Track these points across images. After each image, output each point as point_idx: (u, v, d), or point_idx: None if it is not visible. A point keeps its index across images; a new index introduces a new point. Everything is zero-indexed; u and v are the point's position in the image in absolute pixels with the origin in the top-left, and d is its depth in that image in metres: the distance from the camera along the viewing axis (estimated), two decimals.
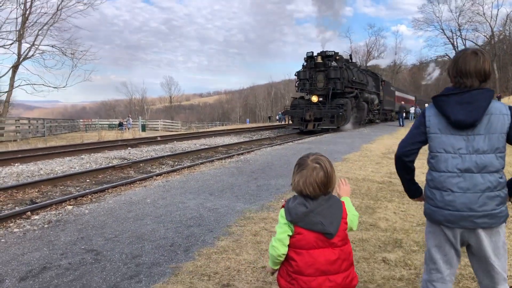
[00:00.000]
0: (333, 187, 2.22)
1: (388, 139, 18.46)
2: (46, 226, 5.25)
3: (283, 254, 2.14)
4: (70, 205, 6.50)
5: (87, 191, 7.53)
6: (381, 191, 7.27)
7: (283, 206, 2.20)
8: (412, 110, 51.94)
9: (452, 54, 72.35)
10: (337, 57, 25.75)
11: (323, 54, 25.58)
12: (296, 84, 26.52)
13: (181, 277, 3.58)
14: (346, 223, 2.20)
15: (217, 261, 3.91)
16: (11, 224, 5.50)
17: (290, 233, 2.13)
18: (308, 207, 2.10)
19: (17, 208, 6.50)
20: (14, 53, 28.44)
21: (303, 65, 26.20)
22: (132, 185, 8.02)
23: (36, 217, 5.81)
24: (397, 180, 8.31)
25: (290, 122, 26.06)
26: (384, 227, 5.05)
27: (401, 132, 23.81)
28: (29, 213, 6.00)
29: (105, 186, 7.98)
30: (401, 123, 32.50)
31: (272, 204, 6.10)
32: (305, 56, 26.02)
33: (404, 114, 34.65)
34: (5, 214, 5.82)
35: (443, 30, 71.28)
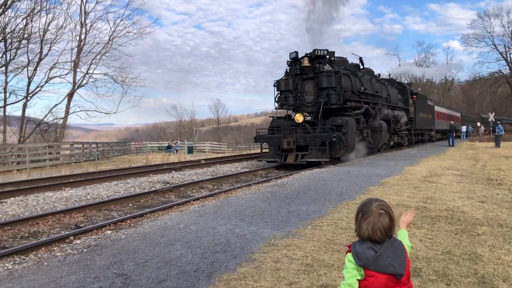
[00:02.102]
0: (395, 230, 2.40)
1: (434, 161, 18.06)
2: (85, 250, 5.66)
3: None
4: (110, 229, 6.93)
5: (127, 216, 7.98)
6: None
7: (348, 251, 2.36)
8: (464, 129, 50.08)
9: (506, 70, 69.63)
10: (333, 59, 18.74)
11: (311, 55, 18.54)
12: (276, 99, 19.45)
13: None
14: (409, 261, 2.38)
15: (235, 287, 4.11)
16: (55, 248, 5.96)
17: (359, 277, 2.30)
18: (377, 251, 2.27)
19: (62, 233, 7.01)
20: (69, 81, 30.31)
21: (286, 72, 19.33)
22: (169, 210, 8.40)
23: (78, 241, 6.25)
24: (432, 205, 8.22)
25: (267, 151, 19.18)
26: None
27: (450, 153, 23.16)
28: (72, 237, 6.47)
29: (144, 211, 8.40)
30: (451, 143, 31.46)
31: (299, 231, 6.24)
32: (288, 59, 19.12)
33: (453, 134, 33.43)
34: (50, 239, 6.32)
35: (495, 45, 68.87)
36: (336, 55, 20.26)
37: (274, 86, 19.44)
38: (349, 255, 2.33)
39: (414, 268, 4.63)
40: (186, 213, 7.84)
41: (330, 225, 6.57)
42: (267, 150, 19.02)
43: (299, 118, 18.15)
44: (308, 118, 18.59)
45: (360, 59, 24.02)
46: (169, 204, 8.92)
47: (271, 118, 20.23)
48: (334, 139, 16.81)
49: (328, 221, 6.86)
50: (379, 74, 26.25)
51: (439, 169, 14.64)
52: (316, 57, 18.51)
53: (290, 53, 18.98)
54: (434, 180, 11.75)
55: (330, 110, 18.26)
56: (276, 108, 19.76)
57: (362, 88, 20.41)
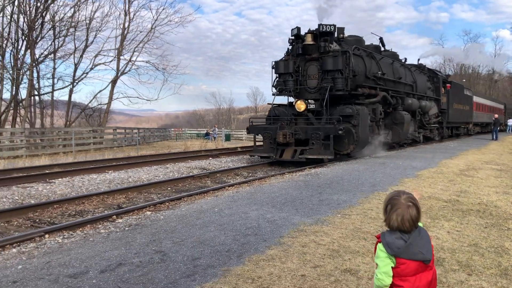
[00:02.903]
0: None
1: (473, 155, 17.71)
2: (126, 228, 6.09)
3: (389, 284, 2.51)
4: (149, 211, 7.36)
5: (166, 198, 8.42)
6: (443, 209, 7.28)
7: (378, 242, 2.56)
8: (510, 122, 48.16)
9: None
10: (342, 36, 16.33)
11: (315, 32, 15.65)
12: (274, 83, 16.66)
13: (229, 278, 4.12)
14: (433, 246, 2.59)
15: (263, 267, 4.40)
16: (99, 226, 6.43)
17: (393, 265, 2.49)
18: (406, 240, 2.47)
19: (105, 212, 7.50)
20: (113, 69, 31.36)
21: (287, 52, 16.59)
22: (205, 194, 8.79)
23: (120, 220, 6.71)
24: (465, 199, 8.23)
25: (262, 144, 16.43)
26: None
27: (491, 147, 22.58)
28: (114, 216, 6.93)
29: (182, 194, 8.82)
30: (495, 137, 30.46)
31: (327, 219, 6.46)
32: (290, 37, 16.31)
33: (498, 127, 32.24)
34: (95, 217, 6.81)
35: None
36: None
37: (273, 68, 16.50)
38: (380, 245, 2.52)
39: (437, 258, 4.76)
40: (221, 198, 8.19)
41: (359, 215, 6.75)
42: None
43: (300, 106, 15.27)
44: (312, 106, 15.66)
45: (381, 39, 20.75)
46: (205, 189, 9.31)
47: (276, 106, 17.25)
48: (340, 132, 14.01)
49: (357, 211, 7.03)
50: (405, 59, 23.46)
51: (478, 163, 14.39)
52: (322, 34, 15.51)
53: (292, 29, 16.10)
54: (470, 174, 11.62)
55: (338, 97, 15.39)
56: (273, 94, 16.77)
57: (379, 72, 17.52)
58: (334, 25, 15.49)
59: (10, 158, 18.62)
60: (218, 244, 5.23)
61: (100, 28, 29.62)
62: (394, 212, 2.48)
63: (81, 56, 29.03)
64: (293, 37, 16.19)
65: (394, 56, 21.62)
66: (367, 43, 19.33)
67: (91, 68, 29.94)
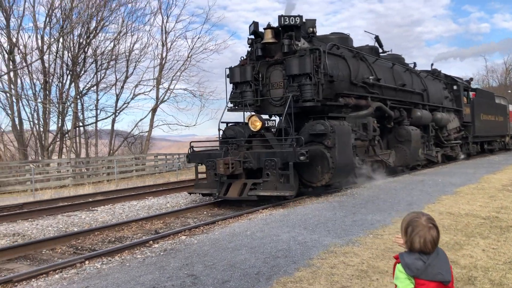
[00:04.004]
0: None
1: None
2: (161, 253, 6.30)
3: None
4: (184, 235, 7.57)
5: (201, 223, 8.63)
6: (480, 227, 7.11)
7: (397, 262, 2.58)
8: None
9: None
10: (312, 30, 12.39)
11: (275, 28, 12.25)
12: (232, 94, 13.14)
13: None
14: (451, 267, 2.62)
15: None
16: (136, 251, 6.68)
17: (412, 286, 2.51)
18: (425, 261, 2.49)
19: (143, 238, 7.77)
20: (152, 97, 32.40)
21: (246, 55, 13.17)
22: (239, 218, 8.94)
23: (156, 245, 6.94)
24: (505, 215, 7.99)
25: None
26: (464, 264, 5.12)
27: None
28: (151, 242, 7.18)
29: (216, 218, 9.01)
30: None
31: (359, 239, 6.45)
32: (248, 36, 12.88)
33: None
34: (133, 243, 7.09)
35: None
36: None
37: (227, 77, 13.06)
38: (399, 266, 2.54)
39: (469, 276, 4.69)
40: (254, 221, 8.31)
41: (392, 234, 6.68)
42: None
43: (254, 123, 11.56)
44: (272, 123, 12.41)
45: (377, 38, 16.86)
46: (238, 212, 9.45)
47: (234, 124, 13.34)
48: (302, 158, 10.23)
49: (390, 230, 6.98)
50: (415, 64, 19.87)
51: None
52: (284, 29, 12.06)
53: (250, 25, 12.77)
54: None
55: (309, 110, 11.90)
56: (228, 109, 13.17)
57: (371, 77, 14.07)
58: (301, 16, 11.91)
59: (57, 187, 19.49)
60: (248, 267, 5.33)
61: (139, 59, 30.80)
62: (416, 234, 2.49)
63: (122, 87, 30.24)
64: (251, 36, 12.76)
65: (397, 59, 18.20)
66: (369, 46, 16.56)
67: (132, 98, 31.08)
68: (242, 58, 13.19)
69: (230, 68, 13.02)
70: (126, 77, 30.14)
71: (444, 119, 19.85)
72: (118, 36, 28.47)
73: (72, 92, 26.96)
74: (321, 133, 11.24)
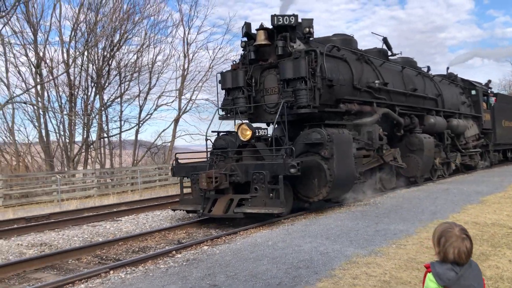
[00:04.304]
0: None
1: None
2: (184, 263, 6.36)
3: None
4: (207, 245, 7.63)
5: (223, 233, 8.67)
6: (507, 237, 6.97)
7: (427, 272, 2.56)
8: None
9: None
10: (308, 30, 11.29)
11: (269, 29, 11.42)
12: (224, 101, 12.39)
13: None
14: (484, 279, 2.60)
15: None
16: (159, 261, 6.76)
17: None
18: (458, 272, 2.47)
19: (166, 248, 7.86)
20: (175, 108, 32.77)
21: (240, 59, 12.42)
22: (261, 228, 8.95)
23: (179, 255, 7.01)
24: None
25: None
26: (489, 275, 5.02)
27: None
28: (174, 252, 7.26)
29: (238, 228, 9.04)
30: None
31: (382, 249, 6.39)
32: (242, 38, 12.15)
33: None
34: (156, 253, 7.18)
35: None
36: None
37: (219, 82, 12.30)
38: (430, 275, 2.51)
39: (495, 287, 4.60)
40: (276, 231, 8.31)
41: (415, 244, 6.61)
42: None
43: (244, 132, 10.57)
44: (263, 132, 11.15)
45: (385, 40, 15.85)
46: (259, 223, 9.45)
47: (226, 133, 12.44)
48: (293, 170, 9.10)
49: (414, 240, 6.90)
50: (428, 68, 18.61)
51: None
52: (278, 29, 11.26)
53: (242, 27, 12.02)
54: None
55: (306, 117, 11.01)
56: (220, 117, 12.37)
57: (376, 82, 13.12)
58: (295, 16, 11.05)
59: (82, 198, 19.85)
60: (269, 277, 5.35)
61: (162, 71, 31.17)
62: (450, 245, 2.47)
63: (145, 98, 30.66)
64: (245, 39, 12.00)
65: (408, 62, 17.23)
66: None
67: (155, 109, 31.44)
68: (235, 62, 12.40)
69: (222, 73, 12.30)
70: (149, 89, 30.56)
71: (460, 126, 18.62)
72: (141, 49, 28.94)
73: (97, 104, 27.44)
74: (317, 142, 10.30)
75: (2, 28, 22.50)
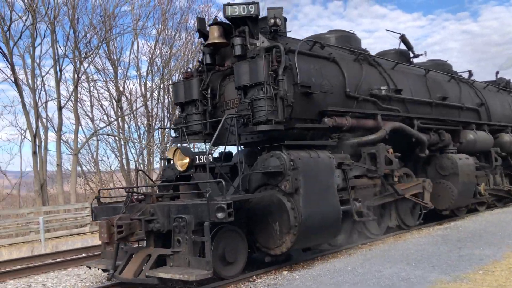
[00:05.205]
0: None
1: None
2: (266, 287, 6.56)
3: None
4: (286, 270, 7.76)
5: (302, 258, 8.76)
6: None
7: None
8: None
9: None
10: (274, 22, 8.50)
11: (224, 24, 9.05)
12: (178, 118, 10.25)
13: None
14: None
15: None
16: (241, 286, 6.99)
17: None
18: None
19: (246, 273, 8.09)
20: None
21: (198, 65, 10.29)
22: (338, 254, 8.94)
23: (259, 280, 7.21)
24: None
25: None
26: None
27: None
28: (254, 277, 7.47)
29: (316, 254, 9.09)
30: None
31: (468, 276, 6.20)
32: (198, 38, 10.58)
33: None
34: (238, 278, 7.40)
35: None
36: None
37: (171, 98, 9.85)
38: None
39: None
40: (354, 256, 8.29)
41: (504, 271, 6.35)
42: None
43: (180, 161, 7.85)
44: (209, 158, 8.03)
45: (403, 38, 13.30)
46: (336, 249, 9.41)
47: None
48: (220, 215, 6.34)
49: (502, 266, 6.62)
50: (470, 73, 15.69)
51: None
52: (236, 23, 8.78)
53: (195, 23, 9.72)
54: None
55: (279, 137, 8.00)
56: (172, 140, 10.52)
57: (382, 88, 10.32)
58: (256, 3, 8.47)
59: None
60: None
61: None
62: None
63: None
64: (201, 40, 9.69)
65: (439, 66, 14.37)
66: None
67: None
68: (190, 70, 10.12)
69: (174, 84, 10.20)
70: None
71: None
72: None
73: (173, 133, 28.84)
74: (275, 171, 7.55)
75: (87, 67, 24.58)
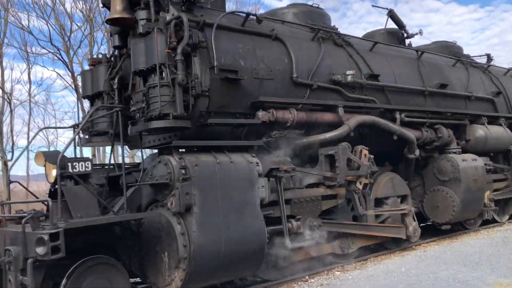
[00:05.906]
0: None
1: None
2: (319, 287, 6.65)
3: None
4: (338, 271, 7.81)
5: (353, 259, 8.76)
6: None
7: None
8: None
9: None
10: None
11: None
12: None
13: None
14: None
15: None
16: (294, 285, 7.11)
17: None
18: None
19: (297, 274, 8.19)
20: None
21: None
22: (391, 254, 8.85)
23: (312, 280, 7.30)
24: None
25: None
26: None
27: None
28: (307, 277, 7.58)
29: (368, 255, 9.05)
30: None
31: None
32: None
33: None
34: (291, 278, 7.52)
35: None
36: None
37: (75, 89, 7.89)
38: None
39: None
40: (407, 258, 8.19)
41: None
42: None
43: (48, 171, 5.53)
44: (85, 166, 5.44)
45: (391, 14, 11.17)
46: (389, 250, 9.31)
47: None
48: (39, 250, 4.52)
49: None
50: (489, 57, 13.35)
51: None
52: None
53: None
54: None
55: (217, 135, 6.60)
56: (82, 144, 7.67)
57: (348, 74, 8.03)
58: None
59: None
60: None
61: None
62: None
63: None
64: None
65: (447, 48, 12.13)
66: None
67: None
68: (101, 55, 7.78)
69: (82, 73, 7.99)
70: None
71: None
72: None
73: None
74: (162, 182, 5.76)
75: None
